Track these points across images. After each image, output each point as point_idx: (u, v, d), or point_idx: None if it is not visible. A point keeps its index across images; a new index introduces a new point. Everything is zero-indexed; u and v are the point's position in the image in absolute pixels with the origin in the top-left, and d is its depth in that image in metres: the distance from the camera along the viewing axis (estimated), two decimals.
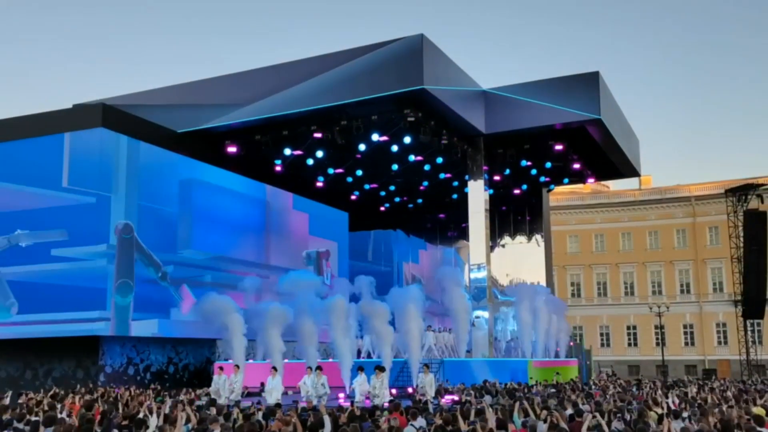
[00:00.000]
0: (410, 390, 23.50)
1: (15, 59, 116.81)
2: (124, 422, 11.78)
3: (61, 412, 14.22)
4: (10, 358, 29.97)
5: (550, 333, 35.85)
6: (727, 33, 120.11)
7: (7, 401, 17.76)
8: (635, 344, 61.62)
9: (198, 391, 23.38)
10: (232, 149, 34.21)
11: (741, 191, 51.51)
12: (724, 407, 14.83)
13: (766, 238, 48.64)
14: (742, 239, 50.32)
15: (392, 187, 42.66)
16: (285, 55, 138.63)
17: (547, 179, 41.98)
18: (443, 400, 18.78)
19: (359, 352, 31.05)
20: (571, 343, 45.20)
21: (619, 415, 13.02)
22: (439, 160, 36.23)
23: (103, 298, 28.12)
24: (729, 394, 20.58)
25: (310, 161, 36.09)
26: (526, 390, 22.44)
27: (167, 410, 14.08)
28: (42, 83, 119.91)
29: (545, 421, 11.98)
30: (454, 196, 43.04)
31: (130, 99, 34.36)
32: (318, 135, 32.35)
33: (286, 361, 32.80)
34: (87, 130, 29.28)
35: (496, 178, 38.79)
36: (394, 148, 33.93)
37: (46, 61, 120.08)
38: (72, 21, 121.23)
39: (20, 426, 11.92)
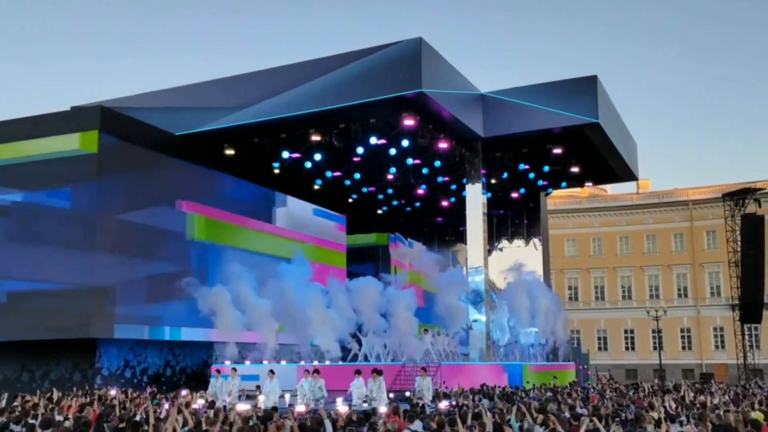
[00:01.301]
0: (407, 393, 23.46)
1: (13, 61, 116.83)
2: (121, 425, 11.74)
3: (58, 415, 14.19)
4: (6, 360, 29.94)
5: (548, 321, 35.89)
6: (724, 37, 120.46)
7: (3, 404, 17.73)
8: (633, 348, 61.59)
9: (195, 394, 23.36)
10: (229, 152, 34.21)
11: (738, 195, 51.53)
12: (722, 411, 14.82)
13: (764, 242, 48.66)
14: (739, 243, 50.34)
15: (390, 191, 42.65)
16: (283, 58, 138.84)
17: (545, 183, 41.99)
18: (441, 405, 18.74)
19: (356, 356, 31.05)
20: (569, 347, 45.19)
21: (617, 419, 13.00)
22: (437, 163, 36.21)
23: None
24: (727, 397, 20.57)
25: (308, 164, 36.07)
26: (523, 394, 22.42)
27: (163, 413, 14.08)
28: (40, 85, 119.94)
29: (542, 425, 11.96)
30: (452, 199, 43.07)
31: (128, 101, 34.34)
32: (316, 138, 32.35)
33: (283, 363, 32.92)
34: (85, 133, 29.24)
35: (494, 181, 38.79)
36: (392, 151, 33.93)
37: (44, 63, 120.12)
38: (70, 23, 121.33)
39: (17, 429, 11.89)
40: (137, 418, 12.54)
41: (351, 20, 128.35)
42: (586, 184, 43.99)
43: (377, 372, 21.77)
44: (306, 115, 31.27)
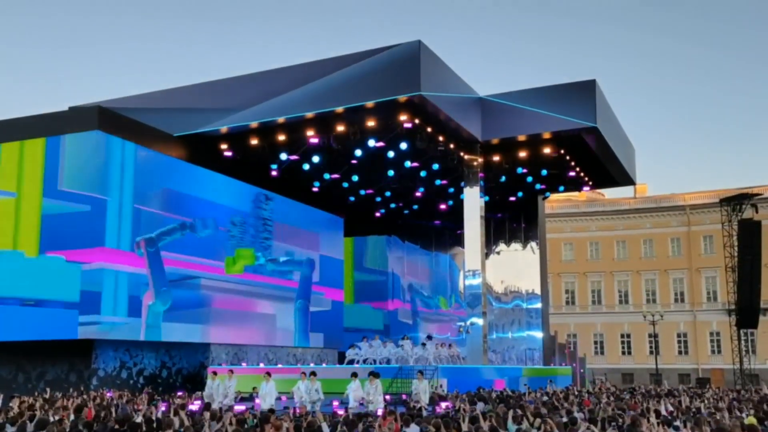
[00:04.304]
0: (404, 396, 23.44)
1: (11, 61, 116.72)
2: (116, 426, 11.71)
3: (53, 416, 14.17)
4: (2, 361, 29.85)
5: None
6: (722, 43, 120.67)
7: None
8: (629, 352, 61.67)
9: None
10: (228, 153, 34.19)
11: (736, 201, 51.56)
12: (718, 416, 14.85)
13: (760, 247, 48.72)
14: (736, 248, 50.39)
15: (388, 193, 42.61)
16: (282, 60, 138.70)
17: (543, 187, 41.99)
18: (438, 408, 18.75)
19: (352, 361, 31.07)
20: (567, 351, 45.24)
21: (614, 423, 13.01)
22: (435, 166, 36.22)
23: (98, 301, 28.04)
24: (722, 404, 20.58)
25: (306, 166, 36.06)
26: (519, 397, 22.41)
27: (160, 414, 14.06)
28: (38, 85, 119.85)
29: (539, 429, 11.96)
30: (450, 202, 43.08)
31: (126, 102, 34.30)
32: (314, 140, 32.35)
33: (280, 365, 32.92)
34: (83, 133, 29.27)
35: (492, 185, 38.79)
36: (390, 153, 33.94)
37: (42, 64, 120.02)
38: (69, 23, 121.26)
39: (13, 430, 11.87)
40: (139, 420, 12.51)
41: (350, 23, 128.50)
42: (584, 188, 44.03)
43: (374, 374, 21.72)
44: (304, 117, 31.26)
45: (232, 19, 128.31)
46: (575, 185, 42.11)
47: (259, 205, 37.06)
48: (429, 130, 31.78)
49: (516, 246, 44.87)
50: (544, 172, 38.28)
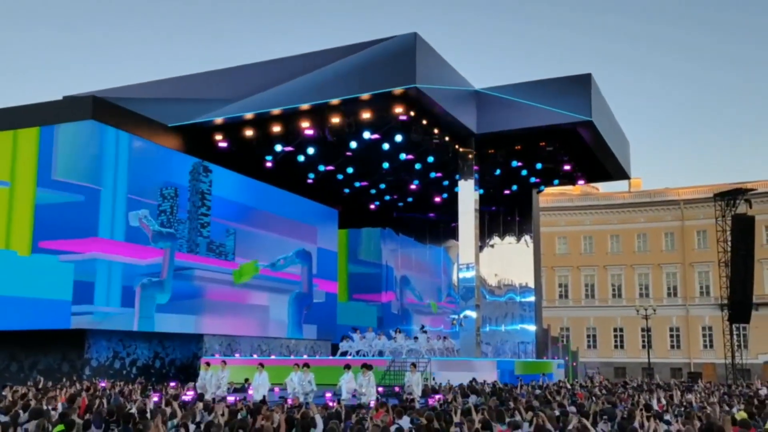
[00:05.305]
0: (397, 389, 23.48)
1: (6, 50, 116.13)
2: (107, 417, 11.70)
3: (47, 406, 14.17)
4: None
5: None
6: (718, 39, 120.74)
7: None
8: (622, 346, 61.88)
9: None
10: (222, 144, 34.12)
11: (730, 196, 51.60)
12: (708, 410, 14.91)
13: (754, 243, 48.85)
14: (729, 243, 50.49)
15: (382, 186, 42.61)
16: (278, 51, 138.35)
17: (538, 180, 42.04)
18: (431, 400, 18.78)
19: (345, 353, 31.09)
20: (559, 344, 45.37)
21: (605, 417, 13.05)
22: (430, 159, 36.21)
23: (91, 291, 27.99)
24: (713, 399, 20.67)
25: (301, 158, 36.00)
26: (511, 390, 22.46)
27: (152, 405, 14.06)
28: (32, 74, 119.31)
29: (531, 422, 11.99)
30: (445, 195, 43.09)
31: (120, 92, 34.19)
32: (309, 132, 32.29)
33: (273, 356, 32.94)
34: (77, 122, 29.18)
35: (487, 178, 38.82)
36: (386, 146, 33.91)
37: (37, 53, 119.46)
38: (63, 13, 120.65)
39: (5, 419, 11.87)
40: (133, 410, 12.50)
41: (346, 15, 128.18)
42: (579, 182, 44.09)
43: (367, 367, 21.72)
44: (299, 108, 31.21)
45: (227, 9, 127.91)
46: (570, 179, 42.18)
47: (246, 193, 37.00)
48: (424, 122, 31.75)
49: (510, 239, 44.93)
50: (539, 165, 38.33)
